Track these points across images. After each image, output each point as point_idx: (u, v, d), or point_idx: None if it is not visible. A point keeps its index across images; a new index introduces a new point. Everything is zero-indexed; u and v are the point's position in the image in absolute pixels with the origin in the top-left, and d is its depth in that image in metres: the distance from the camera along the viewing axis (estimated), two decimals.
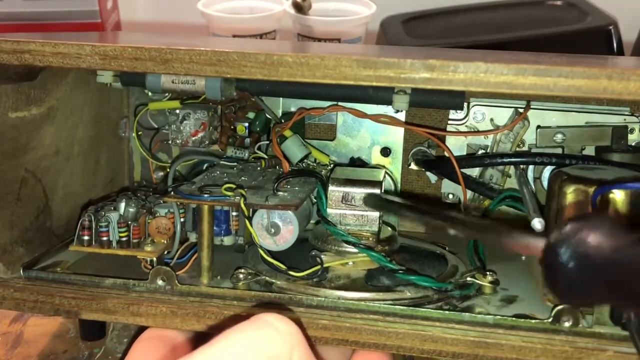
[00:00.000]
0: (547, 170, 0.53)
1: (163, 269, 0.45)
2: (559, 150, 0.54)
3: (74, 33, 0.66)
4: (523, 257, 0.53)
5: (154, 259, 0.47)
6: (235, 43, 0.66)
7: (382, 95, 0.51)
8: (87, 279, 0.46)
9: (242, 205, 0.44)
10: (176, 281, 0.45)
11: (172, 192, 0.46)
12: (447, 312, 0.43)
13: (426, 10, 0.86)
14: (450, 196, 0.59)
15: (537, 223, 0.43)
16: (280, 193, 0.47)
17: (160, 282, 0.45)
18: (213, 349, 0.32)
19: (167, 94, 0.57)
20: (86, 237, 0.47)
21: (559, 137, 0.54)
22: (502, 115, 0.56)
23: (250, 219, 0.46)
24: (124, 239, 0.47)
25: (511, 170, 0.56)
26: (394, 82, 0.39)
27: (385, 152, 0.58)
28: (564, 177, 0.45)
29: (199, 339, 0.43)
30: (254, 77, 0.40)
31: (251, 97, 0.57)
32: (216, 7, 0.87)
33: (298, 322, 0.40)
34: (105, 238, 0.47)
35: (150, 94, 0.58)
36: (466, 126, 0.57)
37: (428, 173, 0.58)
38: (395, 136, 0.58)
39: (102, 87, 0.55)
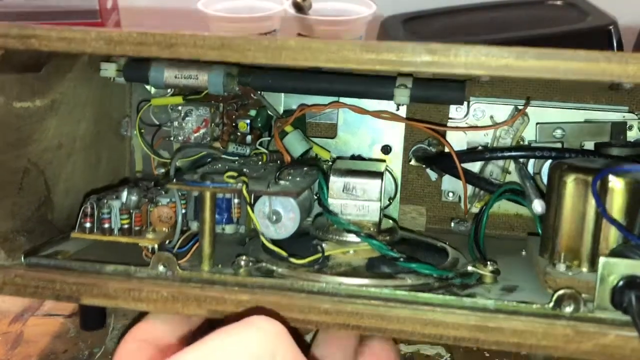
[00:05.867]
0: (547, 166, 0.53)
1: (164, 254, 0.45)
2: (558, 146, 0.55)
3: None
4: (523, 253, 0.53)
5: (155, 246, 0.47)
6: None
7: (383, 89, 0.51)
8: (89, 265, 0.46)
9: (244, 192, 0.45)
10: (177, 267, 0.45)
11: (175, 180, 0.46)
12: (448, 296, 0.43)
13: (426, 10, 0.87)
14: (450, 195, 0.59)
15: (538, 205, 0.43)
16: (282, 182, 0.47)
17: (161, 268, 0.45)
18: (198, 350, 0.33)
19: (169, 90, 0.58)
20: (88, 224, 0.47)
21: (558, 132, 0.54)
22: (502, 112, 0.57)
23: (252, 206, 0.46)
24: (126, 226, 0.47)
25: (511, 166, 0.56)
26: (396, 66, 0.40)
27: (386, 149, 0.58)
28: (564, 166, 0.46)
29: (185, 342, 0.44)
30: (257, 62, 0.41)
31: (253, 94, 0.57)
32: (216, 7, 0.88)
33: (288, 325, 0.40)
34: (107, 225, 0.47)
35: (152, 90, 0.58)
36: (466, 124, 0.57)
37: (428, 171, 0.59)
38: (395, 134, 0.58)
39: (105, 83, 0.56)
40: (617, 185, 0.43)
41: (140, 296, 0.44)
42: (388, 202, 0.58)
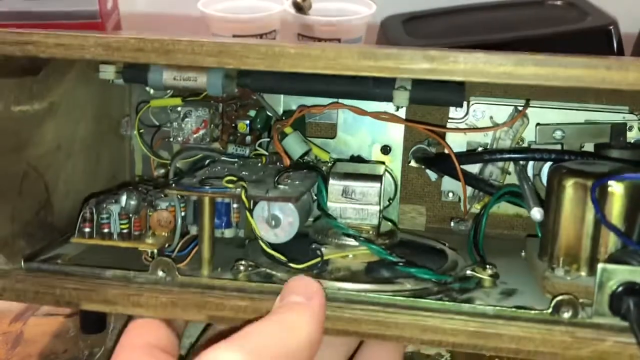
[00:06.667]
0: (547, 167, 0.53)
1: (164, 260, 0.45)
2: (558, 147, 0.54)
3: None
4: (523, 253, 0.53)
5: (155, 251, 0.47)
6: (236, 40, 0.66)
7: (382, 91, 0.51)
8: (88, 270, 0.46)
9: (243, 197, 0.45)
10: (176, 272, 0.45)
11: (174, 185, 0.46)
12: (447, 302, 0.43)
13: (426, 10, 0.86)
14: (450, 194, 0.59)
15: (537, 212, 0.43)
16: (281, 186, 0.47)
17: (160, 274, 0.45)
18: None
19: (168, 91, 0.57)
20: (87, 229, 0.47)
21: (558, 134, 0.54)
22: (502, 113, 0.57)
23: (251, 211, 0.46)
24: (125, 231, 0.47)
25: (511, 167, 0.56)
26: (394, 73, 0.39)
27: (386, 150, 0.58)
28: (563, 170, 0.46)
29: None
30: (256, 68, 0.41)
31: (252, 95, 0.57)
32: (216, 7, 0.88)
33: None
34: (106, 230, 0.47)
35: (151, 90, 0.58)
36: (466, 124, 0.57)
37: (428, 171, 0.58)
38: (395, 134, 0.58)
39: (104, 83, 0.55)
40: (616, 189, 0.43)
41: (139, 301, 0.44)
42: (388, 203, 0.58)
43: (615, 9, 0.75)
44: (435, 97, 0.51)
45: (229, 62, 0.41)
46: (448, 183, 0.58)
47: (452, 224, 0.60)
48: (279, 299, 0.41)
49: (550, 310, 0.42)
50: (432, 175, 0.59)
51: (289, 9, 0.86)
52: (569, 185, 0.45)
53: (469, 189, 0.56)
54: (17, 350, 0.61)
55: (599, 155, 0.52)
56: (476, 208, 0.57)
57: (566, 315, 0.42)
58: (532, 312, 0.42)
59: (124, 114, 0.62)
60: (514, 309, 0.42)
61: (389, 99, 0.51)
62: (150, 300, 0.44)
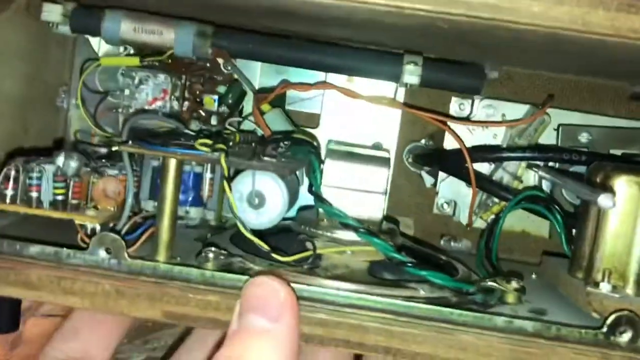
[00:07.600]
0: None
1: (109, 236, 0.34)
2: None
3: None
4: (533, 276, 0.45)
5: (97, 227, 0.36)
6: None
7: (388, 67, 0.43)
8: (6, 244, 0.35)
9: (223, 162, 0.35)
10: (125, 254, 0.34)
11: (131, 143, 0.36)
12: (478, 314, 0.34)
13: None
14: (445, 205, 0.50)
15: (606, 198, 0.35)
16: (267, 159, 0.37)
17: (103, 254, 0.34)
18: None
19: (121, 50, 0.47)
20: (10, 192, 0.36)
21: (584, 136, 0.47)
22: (515, 112, 0.48)
23: (229, 181, 0.36)
24: (60, 197, 0.36)
25: (524, 174, 0.48)
26: (448, 6, 0.31)
27: (376, 147, 0.49)
28: (608, 167, 0.38)
29: None
30: None
31: (226, 64, 0.48)
32: None
33: None
34: (35, 194, 0.36)
35: (100, 51, 0.48)
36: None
37: (424, 174, 0.50)
38: (388, 130, 0.49)
39: (43, 35, 0.45)
40: None
41: (73, 288, 0.33)
42: None
43: None
44: (450, 78, 0.44)
45: None
46: (447, 190, 0.49)
47: (442, 241, 0.51)
48: (236, 315, 0.31)
49: (605, 330, 0.33)
50: (428, 179, 0.50)
51: None
52: (620, 184, 0.37)
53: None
54: (17, 351, 0.58)
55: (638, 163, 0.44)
56: (482, 219, 0.48)
57: (625, 337, 0.33)
58: (583, 331, 0.33)
59: (63, 80, 0.51)
60: (559, 326, 0.34)
61: (396, 76, 0.43)
62: (88, 286, 0.33)
